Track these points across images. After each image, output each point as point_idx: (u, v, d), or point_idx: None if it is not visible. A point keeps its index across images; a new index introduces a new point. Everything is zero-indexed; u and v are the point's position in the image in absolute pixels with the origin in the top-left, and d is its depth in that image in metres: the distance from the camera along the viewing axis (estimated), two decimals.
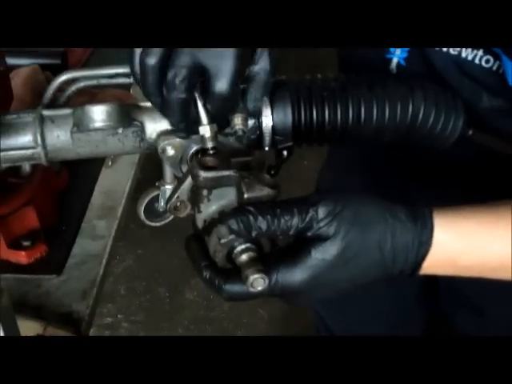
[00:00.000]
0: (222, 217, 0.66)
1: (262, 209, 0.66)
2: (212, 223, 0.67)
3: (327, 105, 0.76)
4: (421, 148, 0.81)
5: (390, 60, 0.90)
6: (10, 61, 1.31)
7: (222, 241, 0.66)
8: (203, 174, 0.66)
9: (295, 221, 0.66)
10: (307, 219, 0.66)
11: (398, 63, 0.89)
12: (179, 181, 0.75)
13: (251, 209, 0.65)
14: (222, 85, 0.66)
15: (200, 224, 0.70)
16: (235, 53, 0.66)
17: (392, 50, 0.88)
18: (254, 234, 0.65)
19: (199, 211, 0.69)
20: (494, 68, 0.81)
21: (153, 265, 2.70)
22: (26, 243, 1.07)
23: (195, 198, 0.70)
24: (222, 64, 0.66)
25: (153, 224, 0.87)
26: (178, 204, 0.74)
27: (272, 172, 0.81)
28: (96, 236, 1.18)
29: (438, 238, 0.68)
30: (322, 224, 0.66)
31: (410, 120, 0.77)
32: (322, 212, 0.66)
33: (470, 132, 0.80)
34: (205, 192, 0.68)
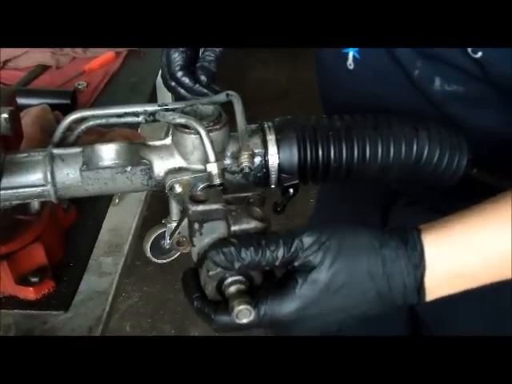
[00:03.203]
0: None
1: (246, 240, 0.66)
2: (203, 256, 0.68)
3: (333, 144, 0.77)
4: (425, 187, 0.82)
5: (347, 55, 0.90)
6: (21, 100, 1.34)
7: (210, 273, 0.66)
8: (192, 208, 0.68)
9: (281, 251, 0.66)
10: (292, 249, 0.66)
11: (354, 57, 0.90)
12: (181, 217, 0.76)
13: (234, 240, 0.66)
14: None
15: (194, 257, 0.71)
16: None
17: None
18: (236, 265, 0.65)
19: (193, 245, 0.70)
20: None
21: (158, 302, 2.69)
22: (33, 279, 1.08)
23: (189, 232, 0.71)
24: None
25: (159, 261, 0.88)
26: (181, 240, 0.75)
27: (278, 209, 0.81)
28: (102, 273, 1.19)
29: (431, 256, 0.67)
30: (307, 253, 0.66)
31: (414, 159, 0.77)
32: (307, 241, 0.66)
33: (474, 171, 0.80)
34: (196, 225, 0.69)
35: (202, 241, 0.69)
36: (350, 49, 0.89)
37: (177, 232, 0.75)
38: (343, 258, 0.66)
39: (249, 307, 0.64)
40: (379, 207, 1.09)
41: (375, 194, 1.09)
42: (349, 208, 1.17)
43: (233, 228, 0.67)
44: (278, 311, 0.66)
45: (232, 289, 0.66)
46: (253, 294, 0.67)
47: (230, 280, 0.67)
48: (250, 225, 0.67)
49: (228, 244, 0.66)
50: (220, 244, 0.66)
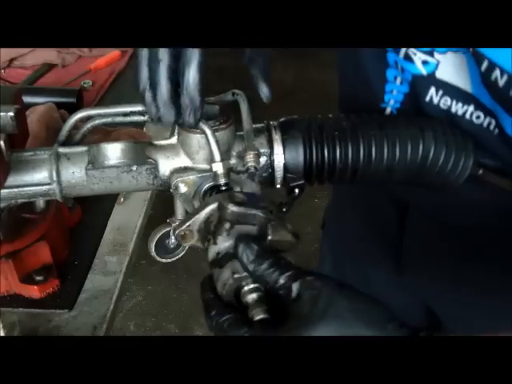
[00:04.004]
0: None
1: (270, 252, 0.65)
2: (227, 257, 0.68)
3: (338, 144, 0.77)
4: (431, 187, 0.82)
5: (384, 110, 0.90)
6: (26, 99, 1.34)
7: (236, 275, 0.66)
8: (232, 208, 0.67)
9: (283, 279, 0.63)
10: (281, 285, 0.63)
11: (391, 113, 0.89)
12: (193, 211, 0.75)
13: (261, 244, 0.65)
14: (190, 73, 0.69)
15: (211, 255, 0.70)
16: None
17: (387, 99, 0.88)
18: (251, 267, 0.64)
19: (215, 243, 0.69)
20: (485, 125, 0.80)
21: (162, 301, 2.70)
22: (38, 278, 1.08)
23: (215, 229, 0.70)
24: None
25: (163, 260, 0.88)
26: (187, 232, 0.74)
27: (284, 209, 0.81)
28: (107, 272, 1.19)
29: None
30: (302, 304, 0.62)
31: (420, 160, 0.77)
32: (295, 288, 0.62)
33: (480, 171, 0.80)
34: (227, 225, 0.68)
35: (227, 241, 0.68)
36: (389, 105, 0.88)
37: (185, 225, 0.74)
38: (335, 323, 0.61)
39: (268, 316, 0.63)
40: (395, 205, 1.08)
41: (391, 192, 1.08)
42: (365, 206, 1.16)
43: (270, 237, 0.66)
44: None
45: (252, 296, 0.65)
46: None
47: (250, 287, 0.66)
48: (287, 237, 0.67)
49: (255, 243, 0.65)
50: (251, 239, 0.66)
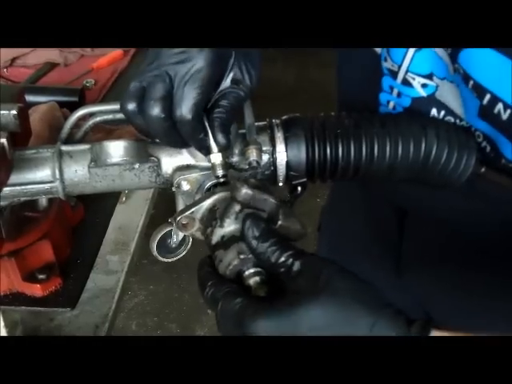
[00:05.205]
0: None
1: (274, 233, 0.65)
2: (232, 239, 0.68)
3: (341, 142, 0.77)
4: (433, 186, 0.82)
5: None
6: (29, 98, 1.34)
7: (242, 256, 0.66)
8: (245, 190, 0.67)
9: (276, 255, 0.63)
10: (284, 267, 0.63)
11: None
12: (197, 200, 0.75)
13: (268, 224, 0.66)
14: (182, 110, 0.70)
15: (216, 238, 0.70)
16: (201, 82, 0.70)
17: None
18: (254, 243, 0.64)
19: (221, 225, 0.69)
20: (482, 145, 0.80)
21: (164, 301, 2.70)
22: (41, 276, 1.08)
23: (224, 211, 0.70)
24: (185, 93, 0.69)
25: (165, 260, 0.87)
26: (189, 220, 0.74)
27: None
28: (109, 271, 1.19)
29: None
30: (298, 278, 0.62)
31: (422, 158, 0.77)
32: (296, 265, 0.62)
33: (483, 170, 0.80)
34: (237, 208, 0.68)
35: (234, 225, 0.68)
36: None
37: (188, 212, 0.74)
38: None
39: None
40: (394, 207, 1.08)
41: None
42: (364, 208, 1.16)
43: (280, 222, 0.67)
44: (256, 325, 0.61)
45: (255, 279, 0.66)
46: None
47: (252, 270, 0.66)
48: (296, 225, 0.68)
49: (263, 221, 0.66)
50: (258, 217, 0.67)
